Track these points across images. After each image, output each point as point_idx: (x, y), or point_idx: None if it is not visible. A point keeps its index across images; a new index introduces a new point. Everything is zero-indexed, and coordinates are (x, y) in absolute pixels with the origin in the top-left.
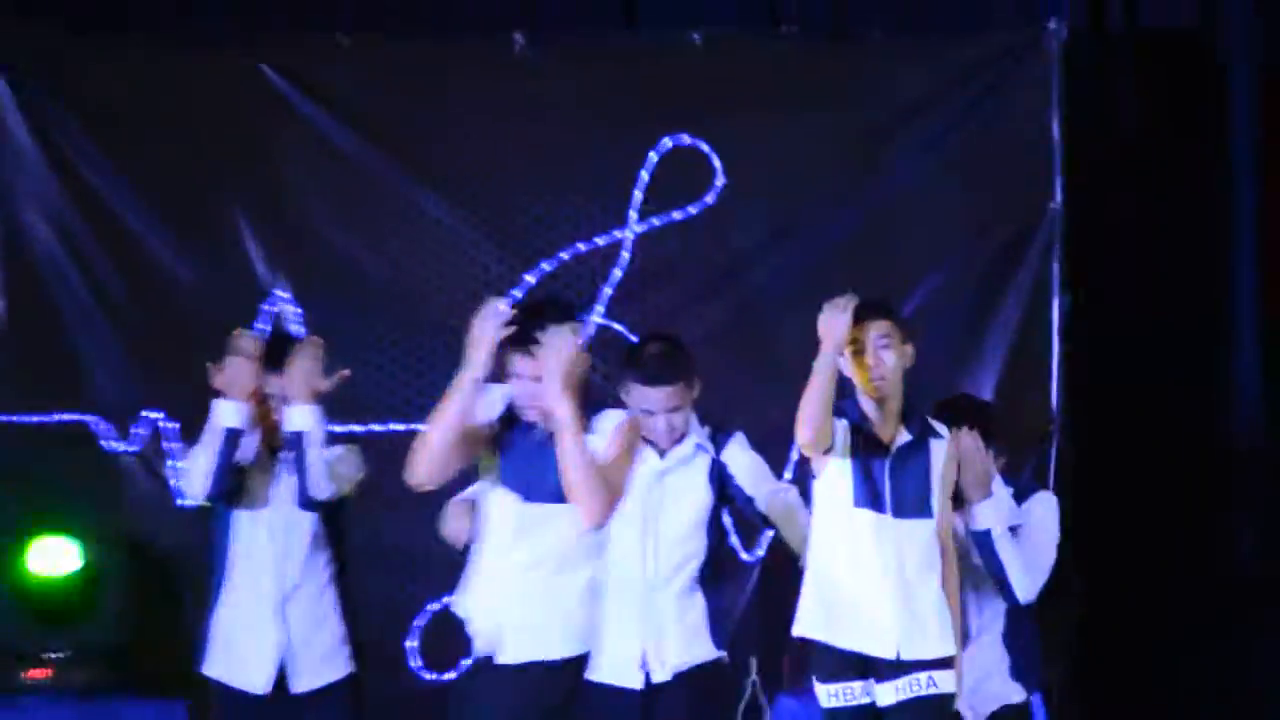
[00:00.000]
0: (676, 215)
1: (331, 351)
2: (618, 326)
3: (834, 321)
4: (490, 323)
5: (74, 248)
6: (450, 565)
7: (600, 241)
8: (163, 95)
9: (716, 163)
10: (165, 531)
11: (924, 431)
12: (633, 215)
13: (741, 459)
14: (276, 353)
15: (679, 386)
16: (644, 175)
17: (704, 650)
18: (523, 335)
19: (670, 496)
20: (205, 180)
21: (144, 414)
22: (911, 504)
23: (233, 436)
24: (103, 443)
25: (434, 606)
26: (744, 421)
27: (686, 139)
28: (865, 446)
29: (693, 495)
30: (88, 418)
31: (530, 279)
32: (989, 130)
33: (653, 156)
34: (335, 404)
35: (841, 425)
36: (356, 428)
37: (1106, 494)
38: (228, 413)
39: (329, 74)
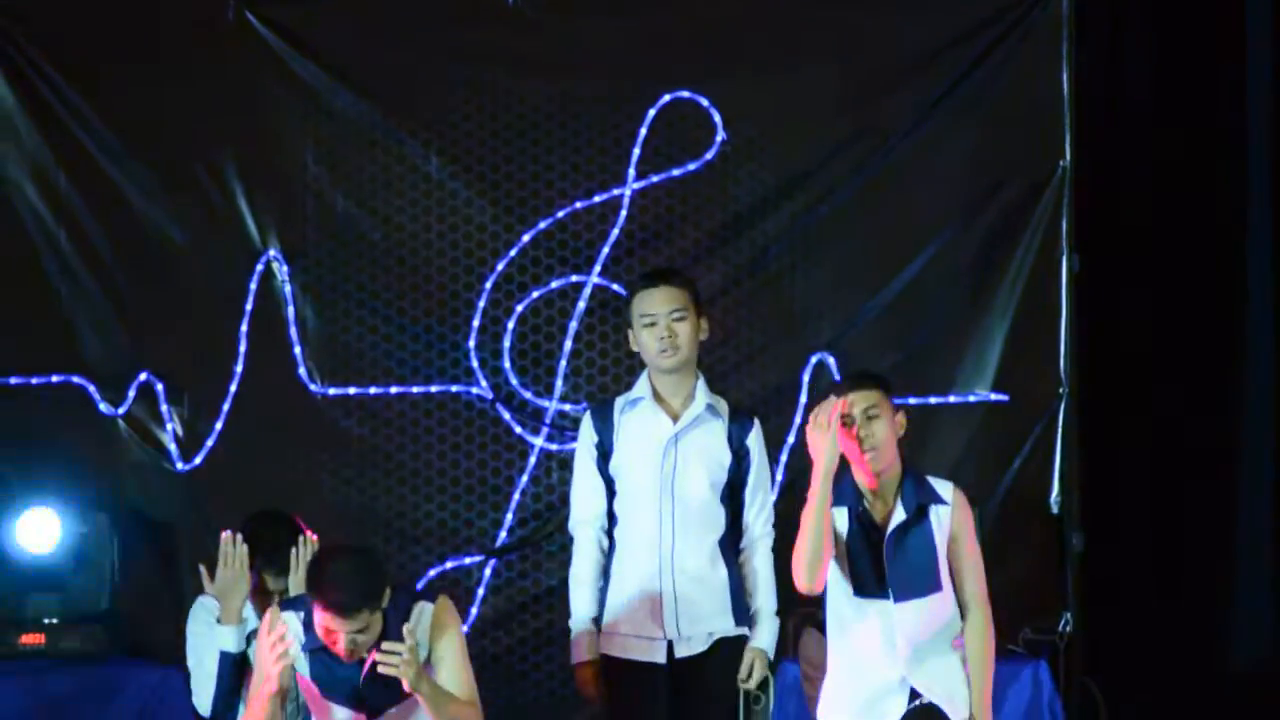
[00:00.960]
0: (676, 172)
1: (322, 312)
2: (616, 287)
3: (819, 440)
4: (269, 657)
5: (62, 208)
6: (453, 529)
7: (598, 199)
8: (152, 53)
9: (717, 118)
10: (159, 494)
11: (923, 502)
12: (631, 173)
13: (756, 449)
14: (270, 546)
15: (681, 290)
16: (643, 132)
17: (726, 624)
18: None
19: (686, 459)
20: (196, 139)
21: (136, 376)
22: (915, 584)
23: (229, 660)
24: (97, 405)
25: (435, 571)
26: (745, 381)
27: (686, 94)
28: (863, 533)
29: (710, 456)
30: (80, 380)
31: (527, 238)
32: (997, 86)
33: (652, 113)
34: (327, 365)
35: (840, 514)
36: (351, 390)
37: (1114, 455)
38: (223, 637)
39: (321, 29)
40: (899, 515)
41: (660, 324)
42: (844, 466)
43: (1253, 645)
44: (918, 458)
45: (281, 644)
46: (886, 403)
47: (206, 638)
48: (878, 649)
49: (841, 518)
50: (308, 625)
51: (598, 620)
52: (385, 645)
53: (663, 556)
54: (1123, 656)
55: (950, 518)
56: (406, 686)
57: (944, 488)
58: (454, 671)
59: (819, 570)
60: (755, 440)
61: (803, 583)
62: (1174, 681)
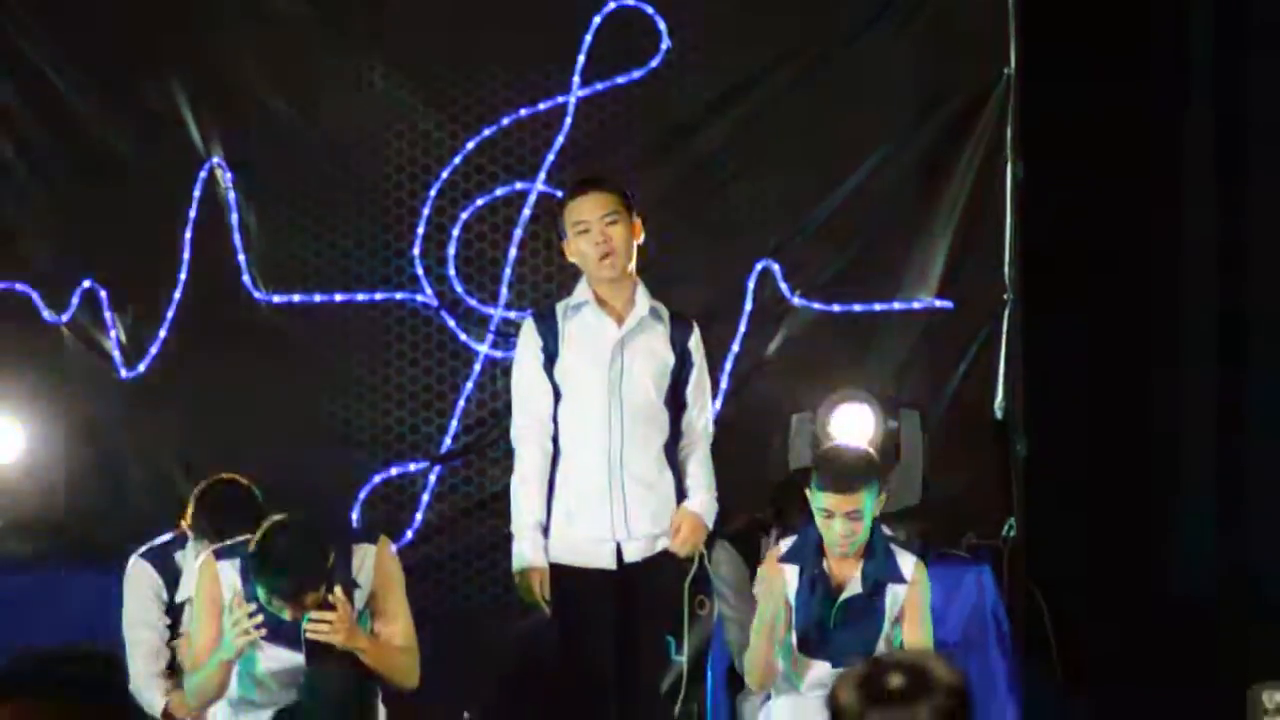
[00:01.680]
0: (620, 80)
1: (266, 220)
2: (560, 195)
3: (772, 583)
4: (234, 630)
5: (6, 117)
6: (398, 435)
7: (543, 107)
8: None
9: (661, 25)
10: (103, 401)
11: (882, 579)
12: (576, 80)
13: (697, 353)
14: (219, 525)
15: (611, 194)
16: (587, 39)
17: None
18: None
19: (632, 362)
20: (140, 47)
21: (80, 283)
22: (856, 652)
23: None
24: (41, 313)
25: (379, 477)
26: (690, 290)
27: (631, 2)
28: (813, 593)
29: (654, 359)
30: (24, 288)
31: (471, 145)
32: None
33: (597, 20)
34: (271, 273)
35: (792, 570)
36: (295, 297)
37: (1058, 362)
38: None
39: None
40: (854, 586)
41: (594, 230)
42: (809, 519)
43: (1194, 542)
44: (861, 366)
45: (249, 623)
46: (870, 502)
47: (142, 612)
48: (818, 709)
49: (792, 576)
50: (245, 575)
51: (544, 528)
52: (314, 615)
53: (611, 458)
54: (1065, 564)
55: (905, 595)
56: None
57: (906, 562)
58: (394, 618)
59: (769, 678)
60: (696, 344)
61: (753, 684)
62: (1115, 587)
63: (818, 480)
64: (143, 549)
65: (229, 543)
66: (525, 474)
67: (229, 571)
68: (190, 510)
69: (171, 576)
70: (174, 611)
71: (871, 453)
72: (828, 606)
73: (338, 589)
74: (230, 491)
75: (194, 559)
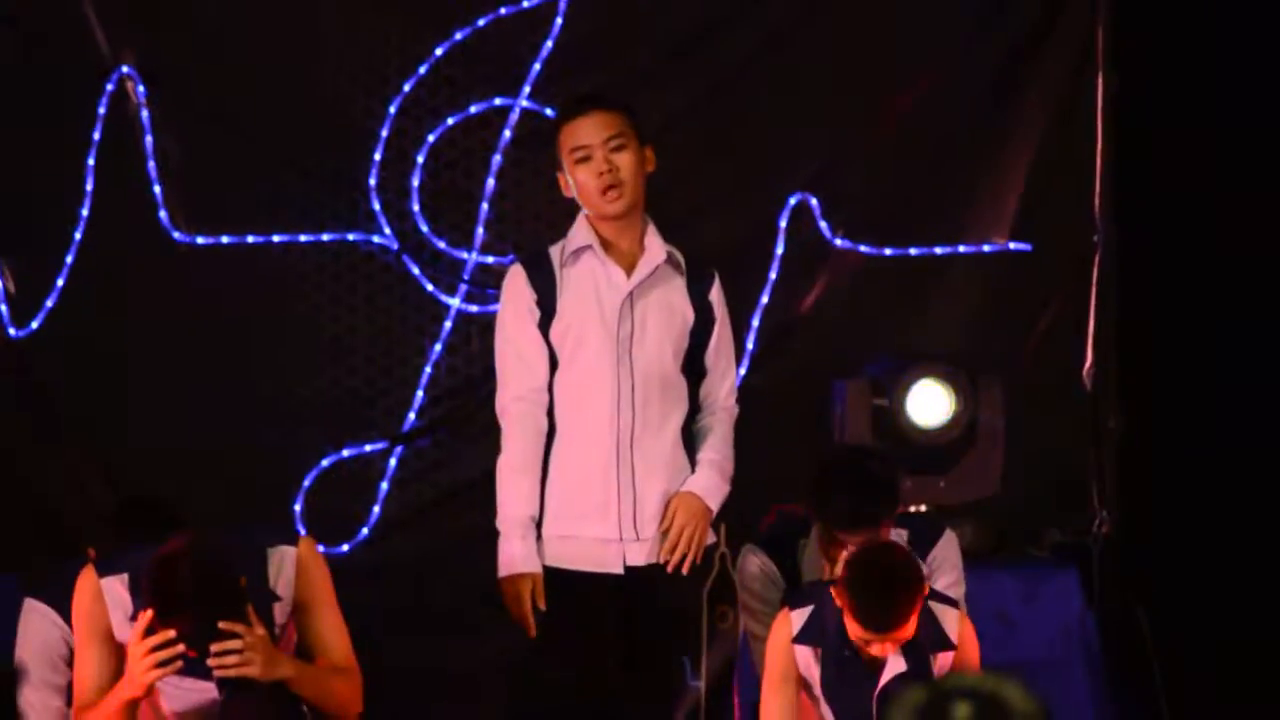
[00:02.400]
0: None
1: (188, 144)
2: (550, 113)
3: (787, 670)
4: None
5: None
6: (351, 409)
7: (527, 4)
8: None
9: None
10: None
11: (922, 652)
12: None
13: (720, 307)
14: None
15: (615, 114)
16: None
17: None
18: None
19: (644, 321)
20: None
21: None
22: None
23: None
24: None
25: (329, 461)
26: (709, 229)
27: None
28: (846, 679)
29: (673, 316)
30: None
31: (440, 51)
32: None
33: None
34: (194, 209)
35: (808, 654)
36: (224, 239)
37: (1161, 324)
38: None
39: None
40: (896, 664)
41: (596, 156)
42: (826, 593)
43: None
44: (920, 322)
45: (169, 652)
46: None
47: (39, 668)
48: None
49: (810, 661)
50: (134, 590)
51: (537, 523)
52: (215, 647)
53: (620, 439)
54: (1170, 566)
55: (955, 662)
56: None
57: (950, 619)
58: (325, 632)
59: None
60: (717, 297)
61: None
62: (1230, 595)
63: (850, 607)
64: (35, 587)
65: (108, 555)
66: (513, 457)
67: (116, 588)
68: (107, 538)
69: None
70: None
71: (913, 558)
72: (869, 689)
73: (248, 609)
74: (154, 516)
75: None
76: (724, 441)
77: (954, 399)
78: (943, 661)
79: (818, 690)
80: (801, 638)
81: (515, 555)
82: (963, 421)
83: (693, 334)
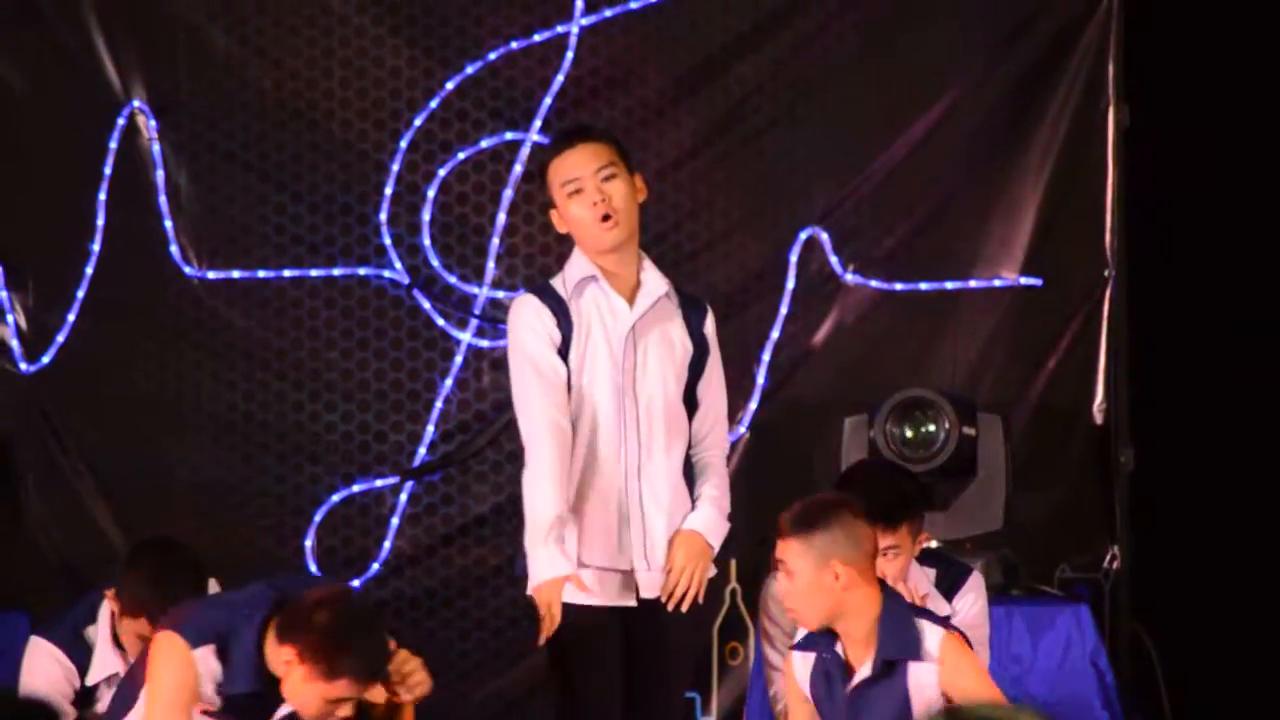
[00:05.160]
0: (634, 4)
1: (199, 178)
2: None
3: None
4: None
5: None
6: (362, 444)
7: (539, 38)
8: None
9: None
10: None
11: (894, 658)
12: (579, 5)
13: (714, 342)
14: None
15: (603, 144)
16: None
17: None
18: None
19: (647, 353)
20: None
21: None
22: None
23: None
24: None
25: (339, 496)
26: (720, 263)
27: None
28: (826, 682)
29: (674, 349)
30: None
31: (451, 85)
32: None
33: None
34: (205, 243)
35: (804, 661)
36: (235, 273)
37: (1170, 354)
38: None
39: None
40: (864, 670)
41: (588, 187)
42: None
43: None
44: (930, 358)
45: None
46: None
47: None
48: None
49: (804, 665)
50: (222, 657)
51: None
52: (406, 669)
53: (628, 472)
54: (1182, 602)
55: (939, 677)
56: None
57: (933, 636)
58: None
59: None
60: (711, 331)
61: None
62: (1243, 629)
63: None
64: (43, 626)
65: (185, 620)
66: (541, 467)
67: (209, 659)
68: (122, 579)
69: (82, 658)
70: (86, 698)
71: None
72: (842, 689)
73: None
74: (172, 557)
75: (110, 637)
76: (721, 478)
77: (937, 431)
78: (918, 673)
79: (806, 691)
80: (801, 643)
81: (540, 565)
82: (958, 454)
83: (690, 366)
